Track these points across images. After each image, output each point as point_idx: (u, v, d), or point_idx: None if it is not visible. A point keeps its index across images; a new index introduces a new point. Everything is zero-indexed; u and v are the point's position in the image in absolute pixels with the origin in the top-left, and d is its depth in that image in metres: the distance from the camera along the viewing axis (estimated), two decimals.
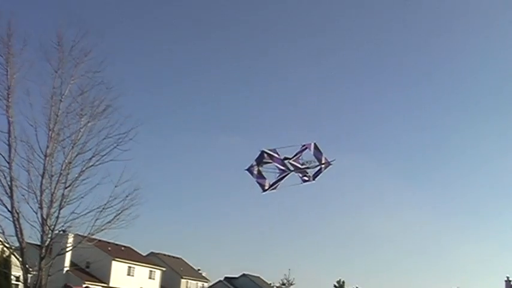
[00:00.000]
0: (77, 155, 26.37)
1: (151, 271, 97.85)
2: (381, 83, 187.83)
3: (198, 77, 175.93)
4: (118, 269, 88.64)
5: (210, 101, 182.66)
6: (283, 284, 74.53)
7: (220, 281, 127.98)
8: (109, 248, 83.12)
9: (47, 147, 26.02)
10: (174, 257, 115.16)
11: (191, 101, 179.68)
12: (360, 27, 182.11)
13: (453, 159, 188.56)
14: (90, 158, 26.44)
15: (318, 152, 27.49)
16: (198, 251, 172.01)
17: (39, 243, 26.08)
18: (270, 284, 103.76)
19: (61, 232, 27.78)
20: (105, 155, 26.59)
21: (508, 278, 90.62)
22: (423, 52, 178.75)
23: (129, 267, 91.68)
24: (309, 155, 27.57)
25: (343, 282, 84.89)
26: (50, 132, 26.11)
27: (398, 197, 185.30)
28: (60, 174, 26.08)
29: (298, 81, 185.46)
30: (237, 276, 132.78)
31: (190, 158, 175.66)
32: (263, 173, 27.47)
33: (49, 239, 25.95)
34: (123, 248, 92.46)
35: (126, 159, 26.72)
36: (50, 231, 25.84)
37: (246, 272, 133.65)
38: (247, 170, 27.87)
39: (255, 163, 27.65)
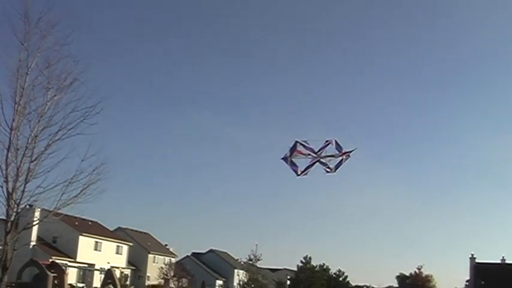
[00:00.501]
0: (43, 129, 26.04)
1: (118, 246, 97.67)
2: (347, 59, 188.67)
3: (168, 52, 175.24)
4: (85, 244, 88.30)
5: (179, 76, 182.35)
6: (250, 260, 74.55)
7: (187, 256, 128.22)
8: (76, 223, 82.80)
9: (13, 120, 25.66)
10: (141, 232, 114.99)
11: (160, 76, 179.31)
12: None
13: (423, 140, 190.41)
14: (57, 132, 26.12)
15: (338, 146, 30.53)
16: (166, 227, 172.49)
17: (4, 218, 25.80)
18: (237, 259, 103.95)
19: (27, 206, 27.52)
20: (71, 128, 26.28)
21: (472, 255, 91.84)
22: (384, 29, 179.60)
23: (96, 242, 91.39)
24: (331, 149, 30.65)
25: (310, 258, 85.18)
26: (16, 105, 25.74)
27: (368, 177, 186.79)
28: (26, 147, 25.76)
29: (268, 60, 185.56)
30: (204, 251, 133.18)
31: (159, 133, 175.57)
32: (294, 161, 30.31)
33: (15, 214, 25.66)
34: (90, 223, 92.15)
35: (93, 133, 26.46)
36: (16, 206, 25.54)
37: (213, 248, 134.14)
38: (282, 158, 30.36)
39: (288, 153, 30.03)
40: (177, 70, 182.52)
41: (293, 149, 30.61)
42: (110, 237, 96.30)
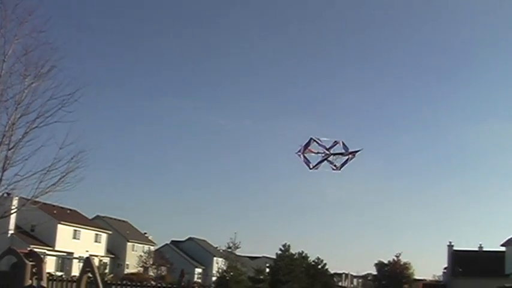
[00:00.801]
0: (20, 116, 25.78)
1: (97, 234, 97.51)
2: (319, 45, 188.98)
3: (148, 39, 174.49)
4: (63, 232, 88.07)
5: (159, 64, 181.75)
6: (229, 248, 74.47)
7: (166, 244, 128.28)
8: (54, 211, 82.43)
9: None
10: (120, 220, 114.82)
11: (140, 63, 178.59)
12: None
13: (402, 129, 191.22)
14: (35, 120, 25.88)
15: (345, 147, 32.72)
16: (145, 215, 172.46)
17: None
18: (216, 247, 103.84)
19: (5, 195, 27.33)
20: (49, 116, 26.01)
21: (450, 243, 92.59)
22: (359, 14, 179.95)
23: (75, 230, 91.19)
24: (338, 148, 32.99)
25: (289, 245, 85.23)
26: None
27: (347, 165, 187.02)
28: (4, 135, 25.51)
29: (248, 50, 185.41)
30: (183, 239, 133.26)
31: (138, 121, 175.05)
32: (307, 156, 32.74)
33: None
34: (68, 211, 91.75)
35: (71, 120, 26.24)
36: None
37: (192, 236, 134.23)
38: (296, 153, 32.54)
39: (302, 148, 32.31)
40: (157, 58, 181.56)
41: (307, 146, 32.65)
42: (89, 226, 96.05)
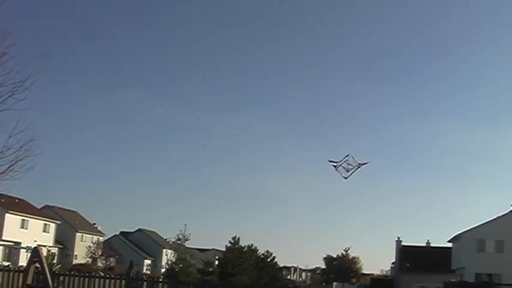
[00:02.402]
0: None
1: (45, 224, 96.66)
2: (276, 42, 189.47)
3: (97, 28, 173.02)
4: (11, 221, 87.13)
5: (109, 53, 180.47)
6: (179, 240, 74.43)
7: (115, 235, 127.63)
8: (2, 200, 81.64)
9: None
10: (69, 210, 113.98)
11: (90, 52, 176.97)
12: None
13: (349, 122, 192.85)
14: None
15: (353, 159, 39.51)
16: (94, 205, 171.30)
17: None
18: (166, 239, 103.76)
19: None
20: None
21: (398, 238, 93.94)
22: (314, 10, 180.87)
23: (23, 220, 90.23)
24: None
25: (239, 238, 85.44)
26: None
27: (294, 158, 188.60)
28: None
29: (201, 36, 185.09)
30: (132, 231, 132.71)
31: (88, 111, 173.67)
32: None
33: None
34: (17, 201, 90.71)
35: (22, 108, 25.98)
36: None
37: (141, 227, 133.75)
38: (332, 164, 40.01)
39: (339, 163, 39.63)
40: (108, 46, 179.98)
41: (343, 160, 39.82)
42: (37, 215, 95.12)
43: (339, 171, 40.25)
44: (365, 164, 39.70)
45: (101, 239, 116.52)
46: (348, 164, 40.18)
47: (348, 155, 39.56)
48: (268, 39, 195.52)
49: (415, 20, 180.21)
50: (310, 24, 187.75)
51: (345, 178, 40.53)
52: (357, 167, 39.84)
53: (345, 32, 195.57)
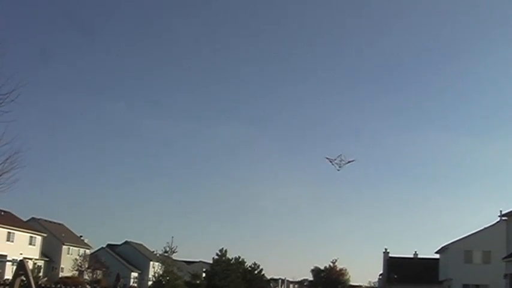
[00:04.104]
0: None
1: (31, 237, 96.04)
2: (265, 54, 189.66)
3: (83, 39, 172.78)
4: None
5: (94, 65, 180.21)
6: (166, 252, 74.31)
7: (102, 248, 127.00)
8: None
9: None
10: (55, 222, 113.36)
11: (75, 64, 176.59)
12: None
13: (340, 136, 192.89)
14: None
15: (344, 157, 49.33)
16: (81, 218, 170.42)
17: None
18: (153, 251, 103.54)
19: None
20: None
21: (386, 249, 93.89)
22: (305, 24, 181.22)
23: (9, 232, 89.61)
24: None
25: (226, 250, 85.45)
26: None
27: (283, 171, 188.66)
28: None
29: (184, 43, 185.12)
30: (119, 243, 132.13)
31: (73, 123, 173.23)
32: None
33: None
34: (2, 213, 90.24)
35: (7, 121, 25.85)
36: None
37: (128, 240, 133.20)
38: (329, 160, 50.98)
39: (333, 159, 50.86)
40: (93, 59, 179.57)
41: (337, 158, 50.08)
42: (23, 228, 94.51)
43: (333, 165, 51.34)
44: (353, 161, 50.44)
45: (88, 251, 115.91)
46: (341, 160, 50.78)
47: (340, 154, 49.73)
48: (256, 51, 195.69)
49: (408, 33, 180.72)
50: (305, 33, 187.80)
51: (338, 170, 52.03)
52: (347, 162, 50.85)
53: (336, 43, 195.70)
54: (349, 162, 54.12)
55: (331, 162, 54.25)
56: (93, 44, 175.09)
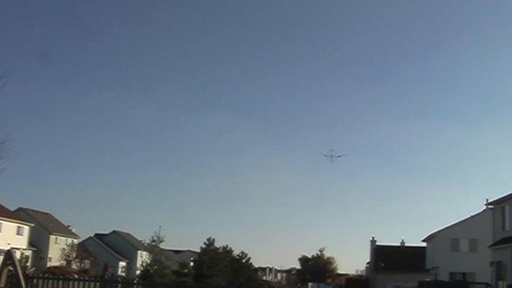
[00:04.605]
0: None
1: (19, 227, 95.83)
2: (252, 42, 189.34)
3: (70, 28, 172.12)
4: None
5: (82, 55, 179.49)
6: (154, 241, 74.48)
7: (90, 237, 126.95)
8: None
9: None
10: (43, 212, 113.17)
11: (62, 53, 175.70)
12: None
13: (329, 125, 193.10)
14: None
15: (334, 152, 49.22)
16: (68, 207, 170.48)
17: None
18: (141, 240, 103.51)
19: None
20: None
21: (373, 238, 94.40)
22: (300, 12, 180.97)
23: None
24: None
25: (213, 239, 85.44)
26: None
27: (269, 160, 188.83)
28: None
29: (172, 32, 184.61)
30: (107, 233, 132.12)
31: (61, 112, 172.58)
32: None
33: None
34: None
35: None
36: None
37: (116, 229, 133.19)
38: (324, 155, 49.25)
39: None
40: (81, 47, 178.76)
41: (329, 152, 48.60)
42: (11, 218, 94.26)
43: (325, 157, 52.30)
44: (344, 155, 54.19)
45: (75, 241, 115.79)
46: (331, 156, 53.37)
47: (332, 150, 52.54)
48: (244, 40, 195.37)
49: (396, 22, 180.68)
50: (297, 22, 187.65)
51: (330, 162, 51.87)
52: (338, 157, 50.90)
53: (326, 31, 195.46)
54: (339, 156, 59.95)
55: (324, 156, 59.85)
56: (84, 35, 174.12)
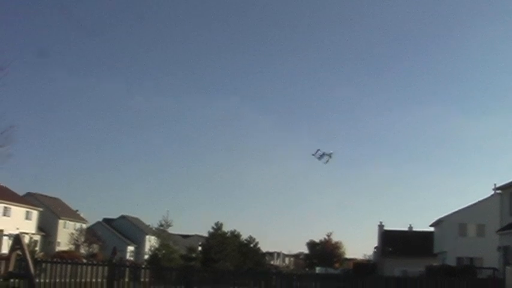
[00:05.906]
0: None
1: (28, 212, 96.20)
2: (264, 29, 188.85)
3: (70, 16, 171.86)
4: None
5: (88, 42, 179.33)
6: (162, 226, 74.66)
7: (98, 222, 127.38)
8: None
9: None
10: (51, 197, 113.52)
11: (71, 42, 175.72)
12: None
13: (335, 111, 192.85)
14: None
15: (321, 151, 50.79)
16: (77, 192, 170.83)
17: None
18: (149, 225, 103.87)
19: None
20: None
21: (381, 223, 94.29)
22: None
23: (5, 207, 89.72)
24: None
25: (221, 224, 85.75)
26: None
27: (276, 146, 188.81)
28: None
29: (177, 18, 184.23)
30: (115, 217, 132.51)
31: (69, 100, 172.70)
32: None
33: None
34: None
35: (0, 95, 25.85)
36: None
37: (124, 214, 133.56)
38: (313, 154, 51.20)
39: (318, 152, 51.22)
40: (87, 37, 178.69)
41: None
42: (19, 203, 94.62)
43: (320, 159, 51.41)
44: (331, 153, 51.31)
45: (84, 225, 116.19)
46: (320, 155, 51.52)
47: (318, 149, 50.97)
48: (250, 27, 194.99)
49: (398, 9, 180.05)
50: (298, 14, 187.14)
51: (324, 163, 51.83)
52: (328, 155, 51.51)
53: (328, 23, 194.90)
54: (329, 155, 53.46)
55: (318, 158, 55.54)
56: (84, 27, 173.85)
